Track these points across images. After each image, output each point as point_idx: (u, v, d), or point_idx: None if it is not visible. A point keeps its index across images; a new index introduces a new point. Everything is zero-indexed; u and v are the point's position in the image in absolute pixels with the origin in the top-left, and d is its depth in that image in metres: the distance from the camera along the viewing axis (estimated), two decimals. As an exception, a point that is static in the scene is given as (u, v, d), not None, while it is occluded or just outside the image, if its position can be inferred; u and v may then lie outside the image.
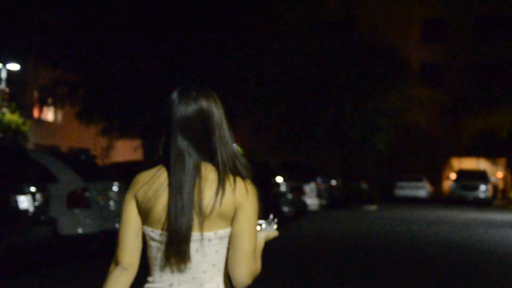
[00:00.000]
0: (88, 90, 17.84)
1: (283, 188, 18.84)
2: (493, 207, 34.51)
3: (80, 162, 11.49)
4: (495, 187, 40.19)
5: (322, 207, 24.10)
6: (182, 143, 2.14)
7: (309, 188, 22.44)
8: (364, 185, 34.70)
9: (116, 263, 2.19)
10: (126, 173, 14.47)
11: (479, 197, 35.84)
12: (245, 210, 2.12)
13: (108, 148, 21.52)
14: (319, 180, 25.10)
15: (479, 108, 38.61)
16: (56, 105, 20.82)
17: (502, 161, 43.20)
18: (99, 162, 15.84)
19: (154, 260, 2.15)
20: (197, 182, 2.11)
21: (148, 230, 2.15)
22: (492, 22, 43.09)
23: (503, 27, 42.98)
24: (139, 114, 17.62)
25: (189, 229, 2.08)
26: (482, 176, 37.05)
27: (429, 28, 44.04)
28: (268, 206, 17.66)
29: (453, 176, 39.56)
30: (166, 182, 2.13)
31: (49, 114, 30.43)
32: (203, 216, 2.09)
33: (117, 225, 11.21)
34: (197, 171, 2.12)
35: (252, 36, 17.15)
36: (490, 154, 42.30)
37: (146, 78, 16.71)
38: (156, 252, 2.14)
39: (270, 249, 11.14)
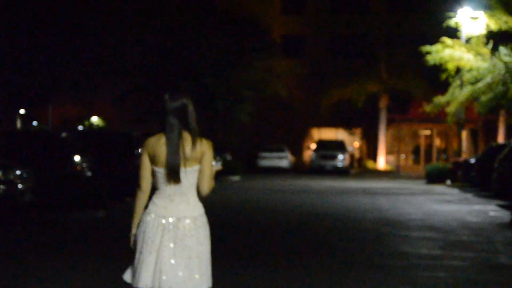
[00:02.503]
0: None
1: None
2: (350, 175, 36.07)
3: None
4: (352, 156, 41.94)
5: (185, 179, 24.04)
6: (173, 120, 4.11)
7: (172, 160, 22.32)
8: (228, 156, 35.00)
9: (140, 189, 4.21)
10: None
11: (337, 166, 37.24)
12: (207, 155, 4.16)
13: None
14: (182, 151, 24.99)
15: (337, 80, 39.91)
16: None
17: (358, 131, 45.14)
18: None
19: (160, 183, 4.15)
20: (180, 141, 4.10)
21: (156, 168, 4.14)
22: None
23: (360, 0, 44.61)
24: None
25: (178, 166, 4.09)
26: (340, 146, 38.48)
27: (288, 0, 44.87)
28: (130, 177, 17.27)
29: (313, 146, 40.82)
30: (164, 142, 4.11)
31: None
32: (185, 159, 4.09)
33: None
34: (180, 135, 4.10)
35: (107, 3, 16.62)
36: (347, 125, 44.05)
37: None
38: (161, 178, 4.13)
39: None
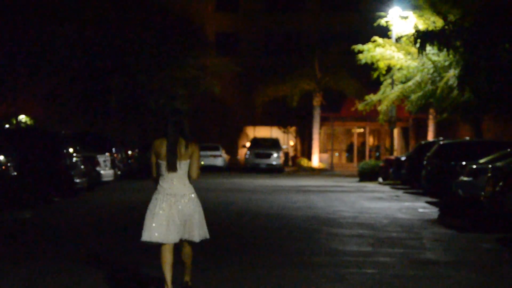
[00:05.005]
0: None
1: (75, 159, 18.14)
2: (284, 173, 36.22)
3: None
4: (286, 154, 42.13)
5: (117, 178, 23.63)
6: (172, 129, 6.47)
7: (103, 159, 21.88)
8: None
9: (152, 177, 6.65)
10: None
11: (272, 164, 37.36)
12: (195, 153, 6.57)
13: None
14: (114, 150, 24.54)
15: (271, 78, 40.00)
16: None
17: (293, 129, 45.42)
18: None
19: (163, 171, 6.52)
20: (178, 144, 6.46)
21: (160, 161, 6.51)
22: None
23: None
24: None
25: (175, 160, 6.48)
26: (274, 144, 38.60)
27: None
28: (57, 177, 16.76)
29: (247, 144, 40.82)
30: (165, 144, 6.48)
31: None
32: (180, 156, 6.49)
33: None
34: (177, 140, 6.47)
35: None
36: (282, 123, 44.24)
37: None
38: (163, 168, 6.51)
39: (68, 222, 10.14)
